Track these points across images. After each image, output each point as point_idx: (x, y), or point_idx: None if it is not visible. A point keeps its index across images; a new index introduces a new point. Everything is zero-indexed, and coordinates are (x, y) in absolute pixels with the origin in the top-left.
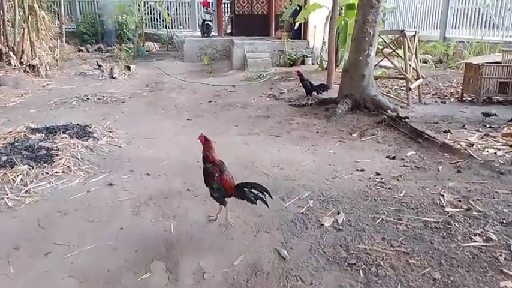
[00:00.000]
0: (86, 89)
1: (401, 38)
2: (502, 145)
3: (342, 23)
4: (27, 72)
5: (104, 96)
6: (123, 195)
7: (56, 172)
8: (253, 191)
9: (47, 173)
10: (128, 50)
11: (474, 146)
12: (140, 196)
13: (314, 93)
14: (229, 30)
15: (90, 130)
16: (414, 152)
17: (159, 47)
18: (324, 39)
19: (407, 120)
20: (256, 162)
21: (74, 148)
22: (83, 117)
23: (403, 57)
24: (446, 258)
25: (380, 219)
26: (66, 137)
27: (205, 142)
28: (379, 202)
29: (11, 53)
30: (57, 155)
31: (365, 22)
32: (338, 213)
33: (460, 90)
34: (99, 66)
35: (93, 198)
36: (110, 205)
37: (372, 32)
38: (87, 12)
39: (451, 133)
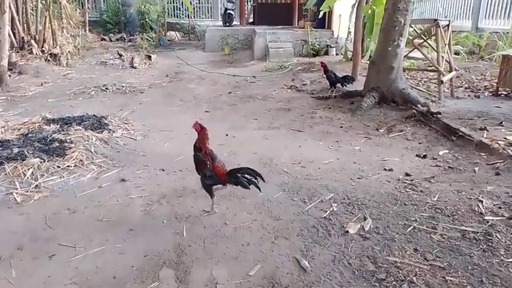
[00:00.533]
0: (106, 79)
1: (434, 28)
2: None
3: (369, 11)
4: (49, 61)
5: (123, 86)
6: (135, 193)
7: (68, 166)
8: (246, 176)
9: (59, 167)
10: (149, 39)
11: None
12: (153, 194)
13: (338, 85)
14: (251, 20)
15: (106, 122)
16: (447, 151)
17: (181, 36)
18: (349, 28)
19: (439, 115)
20: (275, 159)
21: (88, 141)
22: (100, 108)
23: (434, 48)
24: (488, 275)
25: (411, 227)
26: (80, 129)
27: (201, 131)
28: (410, 207)
29: (32, 41)
30: (70, 147)
31: (395, 10)
32: (364, 219)
33: (494, 84)
34: (120, 55)
35: (104, 195)
36: (120, 203)
37: (402, 21)
38: (111, 1)
39: (488, 131)
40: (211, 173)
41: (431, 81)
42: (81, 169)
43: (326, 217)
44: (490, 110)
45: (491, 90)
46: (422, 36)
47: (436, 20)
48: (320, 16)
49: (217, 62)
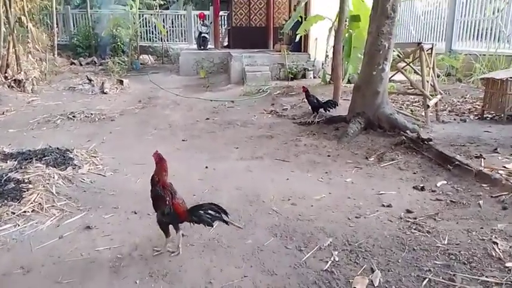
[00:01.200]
0: (74, 106)
1: (418, 51)
2: None
3: (346, 35)
4: (12, 87)
5: (92, 114)
6: (102, 243)
7: (25, 212)
8: (210, 212)
9: (13, 213)
10: (121, 63)
11: None
12: (123, 244)
13: (321, 110)
14: (226, 43)
15: (71, 156)
16: (445, 182)
17: (154, 59)
18: (326, 51)
19: (430, 142)
20: (262, 195)
21: (49, 180)
22: (66, 139)
23: (417, 71)
24: None
25: (426, 279)
26: (40, 166)
27: (160, 162)
28: (420, 253)
29: None
30: (27, 189)
31: (379, 34)
32: (372, 270)
33: (477, 107)
34: (90, 80)
35: (66, 248)
36: (85, 258)
37: (386, 45)
38: (81, 24)
39: (484, 158)
40: (170, 210)
41: (414, 104)
42: (40, 215)
43: (328, 270)
44: (480, 134)
45: (475, 113)
46: (405, 60)
47: (420, 43)
48: (297, 40)
49: (193, 86)
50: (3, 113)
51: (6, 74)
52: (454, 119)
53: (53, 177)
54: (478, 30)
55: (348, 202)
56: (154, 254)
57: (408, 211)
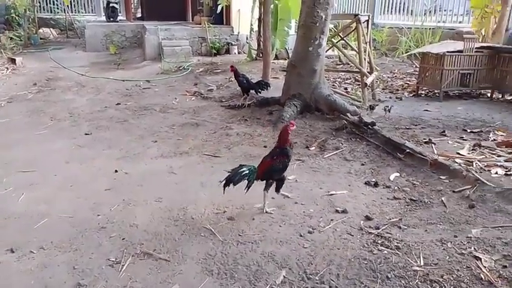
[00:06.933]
0: None
1: (355, 24)
2: (507, 160)
3: (272, 6)
4: None
5: None
6: None
7: None
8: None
9: None
10: (16, 38)
11: (474, 164)
12: None
13: (252, 91)
14: (139, 14)
15: None
16: (398, 174)
17: (57, 33)
18: (251, 24)
19: (375, 127)
20: (190, 209)
21: None
22: None
23: (352, 46)
24: None
25: None
26: None
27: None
28: (396, 283)
29: None
30: None
31: (315, 4)
32: None
33: (410, 83)
34: None
35: None
36: None
37: (323, 16)
38: None
39: (434, 144)
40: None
41: (346, 82)
42: None
43: None
44: (421, 114)
45: (409, 90)
46: (339, 34)
47: (356, 15)
48: (218, 11)
49: (102, 63)
50: None
51: None
52: (390, 97)
53: None
54: (398, 3)
55: (296, 209)
56: None
57: (367, 218)
